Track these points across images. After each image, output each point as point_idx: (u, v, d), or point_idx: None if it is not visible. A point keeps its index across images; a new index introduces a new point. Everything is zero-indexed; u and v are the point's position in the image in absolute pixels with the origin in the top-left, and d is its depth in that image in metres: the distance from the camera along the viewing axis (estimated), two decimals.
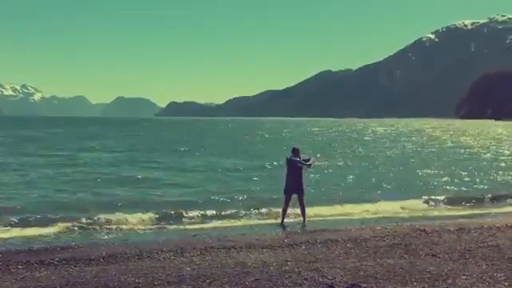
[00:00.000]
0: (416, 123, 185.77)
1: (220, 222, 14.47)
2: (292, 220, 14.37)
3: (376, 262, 8.39)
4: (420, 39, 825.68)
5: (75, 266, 8.40)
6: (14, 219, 13.73)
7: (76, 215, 14.40)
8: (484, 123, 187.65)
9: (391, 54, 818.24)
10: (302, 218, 13.96)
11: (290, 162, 13.66)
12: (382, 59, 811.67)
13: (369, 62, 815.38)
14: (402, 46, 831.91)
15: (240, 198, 17.83)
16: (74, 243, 10.82)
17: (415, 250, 9.26)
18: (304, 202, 13.88)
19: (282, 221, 13.86)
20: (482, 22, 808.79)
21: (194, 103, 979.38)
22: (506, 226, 11.92)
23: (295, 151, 13.79)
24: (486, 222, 12.69)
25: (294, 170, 13.61)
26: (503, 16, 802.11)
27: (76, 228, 12.98)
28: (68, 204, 16.69)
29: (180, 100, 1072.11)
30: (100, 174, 25.00)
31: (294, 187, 13.65)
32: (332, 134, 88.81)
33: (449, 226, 12.20)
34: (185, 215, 15.09)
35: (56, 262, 8.64)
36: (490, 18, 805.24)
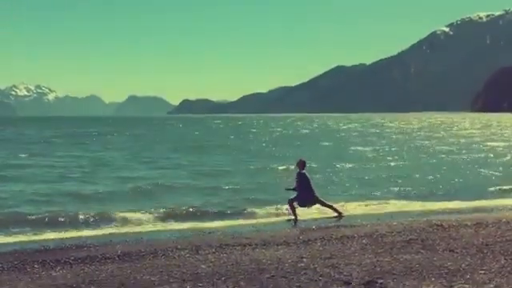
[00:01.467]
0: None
1: (234, 219, 14.47)
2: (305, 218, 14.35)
3: (392, 257, 8.30)
4: (434, 32, 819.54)
5: (91, 265, 8.42)
6: (31, 217, 13.91)
7: (90, 213, 14.53)
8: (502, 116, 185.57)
9: (405, 48, 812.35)
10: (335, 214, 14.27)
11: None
12: (395, 53, 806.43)
13: (383, 57, 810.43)
14: (416, 40, 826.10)
15: (251, 197, 17.86)
16: (89, 242, 10.87)
17: (432, 245, 9.15)
18: (323, 199, 14.40)
19: (296, 217, 13.99)
20: (497, 14, 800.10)
21: (206, 100, 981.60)
22: None
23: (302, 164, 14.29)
24: (504, 216, 12.53)
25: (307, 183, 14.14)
26: None
27: (91, 226, 13.04)
28: (82, 200, 16.88)
29: (193, 97, 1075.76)
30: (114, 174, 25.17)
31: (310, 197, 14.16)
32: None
33: (466, 220, 12.06)
34: (199, 213, 15.10)
35: (71, 261, 8.67)
36: (505, 10, 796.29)
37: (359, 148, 42.66)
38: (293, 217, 14.01)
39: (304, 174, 14.11)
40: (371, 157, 34.65)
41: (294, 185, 14.35)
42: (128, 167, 28.77)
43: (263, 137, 66.22)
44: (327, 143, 50.83)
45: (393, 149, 41.83)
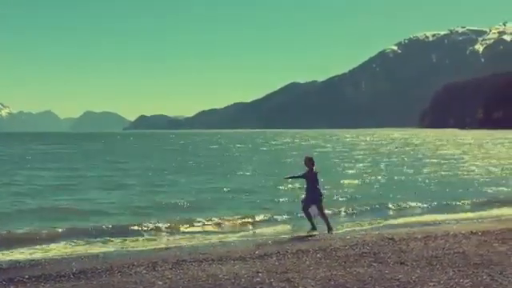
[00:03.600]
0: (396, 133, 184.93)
1: (190, 235, 14.45)
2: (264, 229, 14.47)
3: (346, 271, 8.51)
4: (384, 51, 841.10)
5: (45, 283, 8.27)
6: None
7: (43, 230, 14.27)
8: (454, 132, 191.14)
9: (356, 65, 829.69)
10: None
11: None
12: (347, 71, 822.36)
13: (334, 74, 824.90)
14: (367, 58, 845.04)
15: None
16: (43, 259, 10.66)
17: (384, 259, 9.42)
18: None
19: (313, 225, 13.53)
20: (442, 33, 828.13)
21: (162, 116, 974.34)
22: (471, 232, 12.21)
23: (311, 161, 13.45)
24: (452, 229, 12.96)
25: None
26: (463, 28, 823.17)
27: (46, 244, 12.77)
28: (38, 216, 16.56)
29: (149, 113, 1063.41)
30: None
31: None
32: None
33: (416, 233, 12.43)
34: (154, 228, 15.03)
35: (26, 280, 8.50)
36: (450, 30, 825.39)
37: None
38: (313, 231, 13.36)
39: (316, 173, 13.31)
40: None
41: (304, 185, 13.76)
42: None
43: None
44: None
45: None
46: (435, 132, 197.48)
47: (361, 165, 41.16)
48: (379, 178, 30.12)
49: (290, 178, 14.28)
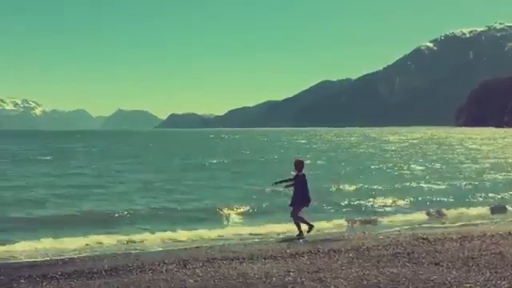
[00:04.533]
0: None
1: (222, 232, 14.46)
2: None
3: (379, 271, 8.36)
4: (419, 48, 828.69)
5: (77, 280, 8.36)
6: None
7: (79, 228, 14.49)
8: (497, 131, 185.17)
9: (390, 63, 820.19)
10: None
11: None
12: (381, 68, 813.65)
13: (368, 72, 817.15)
14: (401, 55, 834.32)
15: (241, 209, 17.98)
16: (76, 256, 10.79)
17: (418, 259, 9.23)
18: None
19: (301, 232, 13.10)
20: (480, 30, 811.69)
21: (193, 115, 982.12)
22: (509, 233, 11.89)
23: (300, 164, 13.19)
24: (489, 230, 12.65)
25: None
26: (501, 24, 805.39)
27: (79, 242, 12.92)
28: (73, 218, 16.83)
29: (180, 112, 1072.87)
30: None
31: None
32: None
33: (451, 234, 12.17)
34: (187, 226, 15.09)
35: (58, 276, 8.60)
36: (488, 26, 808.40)
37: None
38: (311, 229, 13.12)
39: (303, 176, 13.06)
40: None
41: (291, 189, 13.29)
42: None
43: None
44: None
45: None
46: (480, 131, 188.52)
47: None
48: None
49: (281, 182, 13.46)
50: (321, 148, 74.04)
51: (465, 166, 38.59)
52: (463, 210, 18.28)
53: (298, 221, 13.06)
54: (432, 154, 54.02)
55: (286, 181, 13.34)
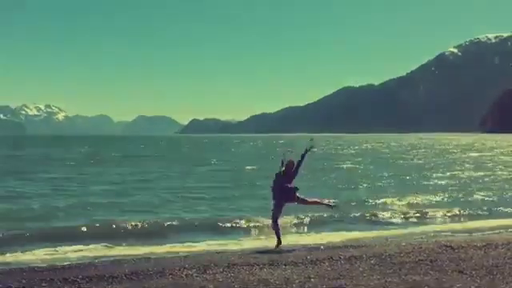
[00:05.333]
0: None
1: (243, 238, 14.43)
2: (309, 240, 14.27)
3: (401, 278, 8.24)
4: (443, 53, 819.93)
5: (98, 284, 8.40)
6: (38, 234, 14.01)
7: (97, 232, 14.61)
8: None
9: (414, 68, 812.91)
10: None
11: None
12: (404, 74, 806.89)
13: (391, 77, 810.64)
14: (425, 61, 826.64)
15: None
16: (96, 261, 10.86)
17: (441, 266, 9.08)
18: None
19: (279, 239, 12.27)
20: (506, 35, 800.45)
21: (214, 120, 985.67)
22: None
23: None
24: None
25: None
26: None
27: (98, 246, 13.02)
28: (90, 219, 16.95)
29: (201, 117, 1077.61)
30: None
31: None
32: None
33: (475, 241, 11.96)
34: (208, 231, 15.11)
35: (79, 280, 8.65)
36: None
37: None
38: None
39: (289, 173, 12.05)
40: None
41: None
42: None
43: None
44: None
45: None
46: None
47: None
48: None
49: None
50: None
51: None
52: None
53: (274, 226, 12.25)
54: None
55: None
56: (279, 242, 12.16)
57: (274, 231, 12.31)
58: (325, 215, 17.55)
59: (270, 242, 12.54)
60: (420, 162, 53.37)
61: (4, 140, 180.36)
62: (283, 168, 12.15)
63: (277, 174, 12.16)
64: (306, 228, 16.44)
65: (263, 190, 20.96)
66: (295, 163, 12.13)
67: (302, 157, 12.19)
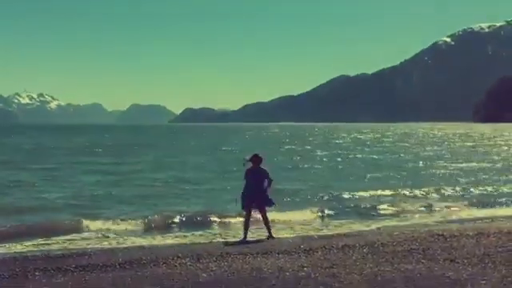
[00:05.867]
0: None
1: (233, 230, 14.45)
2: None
3: (393, 267, 8.30)
4: (436, 43, 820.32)
5: (92, 273, 8.41)
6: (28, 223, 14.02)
7: (90, 220, 14.62)
8: None
9: (407, 57, 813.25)
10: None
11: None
12: (398, 63, 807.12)
13: (385, 66, 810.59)
14: (418, 50, 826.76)
15: None
16: (90, 249, 10.87)
17: (433, 255, 9.14)
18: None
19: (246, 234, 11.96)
20: (499, 24, 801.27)
21: (209, 109, 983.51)
22: None
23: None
24: (506, 227, 12.51)
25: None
26: None
27: (92, 234, 13.03)
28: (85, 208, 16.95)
29: (196, 106, 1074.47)
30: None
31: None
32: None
33: (467, 230, 12.05)
34: (201, 220, 15.13)
35: (73, 269, 8.66)
36: (507, 21, 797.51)
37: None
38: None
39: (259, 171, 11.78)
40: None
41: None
42: None
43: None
44: None
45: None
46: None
47: None
48: None
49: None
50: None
51: None
52: None
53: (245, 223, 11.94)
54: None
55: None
56: (244, 236, 11.86)
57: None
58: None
59: (264, 232, 12.53)
60: (416, 151, 53.57)
61: None
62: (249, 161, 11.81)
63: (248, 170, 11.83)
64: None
65: None
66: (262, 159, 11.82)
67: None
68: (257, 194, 11.65)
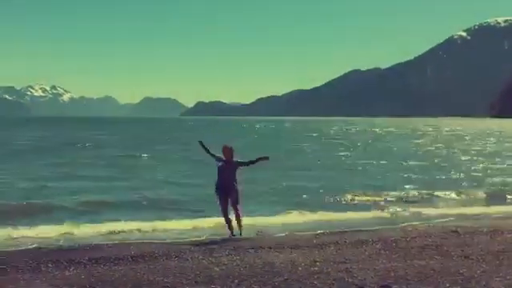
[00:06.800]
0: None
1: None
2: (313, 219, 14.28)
3: (407, 263, 8.24)
4: (451, 37, 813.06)
5: (104, 266, 8.43)
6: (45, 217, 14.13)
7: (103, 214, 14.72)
8: None
9: (422, 52, 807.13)
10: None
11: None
12: (412, 58, 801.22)
13: (399, 61, 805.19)
14: (433, 45, 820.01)
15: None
16: (102, 242, 10.90)
17: (447, 252, 9.07)
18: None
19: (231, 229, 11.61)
20: None
21: (220, 103, 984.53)
22: None
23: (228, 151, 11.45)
24: None
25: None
26: None
27: (104, 229, 13.04)
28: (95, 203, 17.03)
29: (207, 100, 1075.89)
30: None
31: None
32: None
33: (482, 227, 11.94)
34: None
35: (85, 261, 8.69)
36: None
37: None
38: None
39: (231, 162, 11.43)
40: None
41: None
42: None
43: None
44: None
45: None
46: None
47: None
48: None
49: (206, 148, 11.64)
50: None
51: None
52: None
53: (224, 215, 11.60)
54: None
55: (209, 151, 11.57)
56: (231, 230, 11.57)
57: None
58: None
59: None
60: (430, 148, 53.10)
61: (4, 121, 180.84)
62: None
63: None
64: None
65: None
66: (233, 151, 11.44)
67: (251, 162, 11.50)
68: (229, 187, 11.35)
